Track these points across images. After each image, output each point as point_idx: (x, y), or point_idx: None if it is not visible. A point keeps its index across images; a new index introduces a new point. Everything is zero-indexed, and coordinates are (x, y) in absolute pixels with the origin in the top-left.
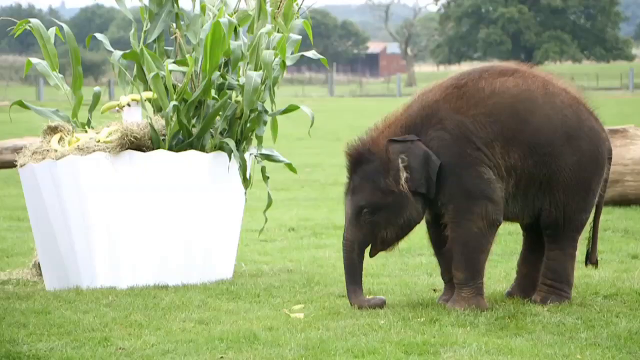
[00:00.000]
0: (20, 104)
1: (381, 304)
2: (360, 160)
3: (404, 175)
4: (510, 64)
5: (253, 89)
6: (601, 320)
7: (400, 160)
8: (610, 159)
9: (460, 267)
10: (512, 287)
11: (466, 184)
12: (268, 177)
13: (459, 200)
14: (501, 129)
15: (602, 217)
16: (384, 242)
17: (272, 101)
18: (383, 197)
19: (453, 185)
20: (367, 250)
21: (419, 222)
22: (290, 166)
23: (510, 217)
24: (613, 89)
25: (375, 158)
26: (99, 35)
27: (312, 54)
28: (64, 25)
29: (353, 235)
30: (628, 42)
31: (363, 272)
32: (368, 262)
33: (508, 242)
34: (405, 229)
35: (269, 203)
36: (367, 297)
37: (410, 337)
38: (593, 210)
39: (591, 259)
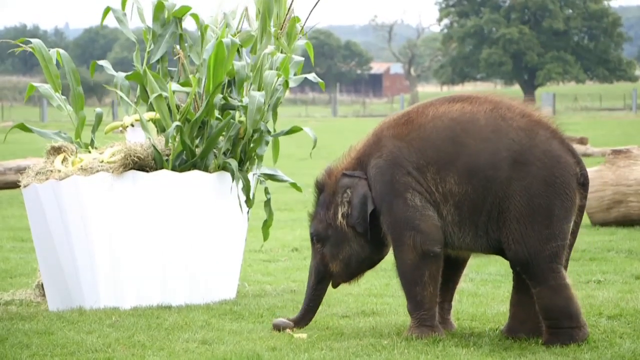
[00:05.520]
0: (22, 127)
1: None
2: (319, 189)
3: (343, 209)
4: (475, 93)
5: (257, 109)
6: (605, 341)
7: (345, 195)
8: (584, 185)
9: (405, 297)
10: (504, 326)
11: (395, 214)
12: (269, 196)
13: (392, 231)
14: (436, 153)
15: (604, 239)
16: (335, 275)
17: (275, 121)
18: (325, 228)
19: (386, 215)
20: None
21: (371, 259)
22: (294, 185)
23: (463, 247)
24: (616, 109)
25: (327, 188)
26: (101, 62)
27: (312, 76)
28: (61, 50)
29: (311, 261)
30: (631, 64)
31: (363, 300)
32: (372, 282)
33: None
34: (352, 264)
35: (270, 216)
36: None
37: (414, 357)
38: None
39: None
